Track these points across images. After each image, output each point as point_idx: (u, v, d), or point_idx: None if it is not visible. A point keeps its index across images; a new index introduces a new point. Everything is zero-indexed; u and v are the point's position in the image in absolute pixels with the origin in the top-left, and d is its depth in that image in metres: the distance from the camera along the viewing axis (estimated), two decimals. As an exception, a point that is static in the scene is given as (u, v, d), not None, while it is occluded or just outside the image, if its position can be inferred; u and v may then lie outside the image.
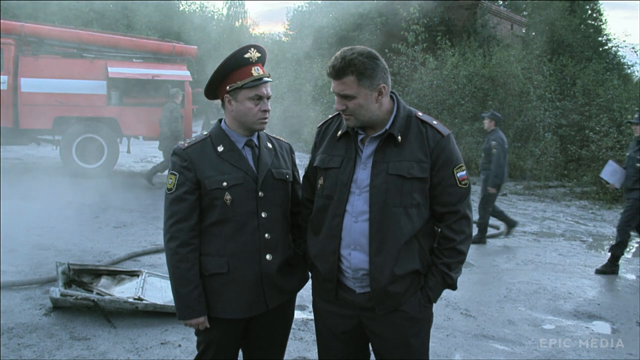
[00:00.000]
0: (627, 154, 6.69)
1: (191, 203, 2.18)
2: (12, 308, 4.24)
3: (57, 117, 10.25)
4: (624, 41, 31.77)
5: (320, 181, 2.20)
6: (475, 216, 6.79)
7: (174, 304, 2.25)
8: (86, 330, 3.93)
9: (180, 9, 28.50)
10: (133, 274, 4.74)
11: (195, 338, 2.35)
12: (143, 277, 4.61)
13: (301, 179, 2.40)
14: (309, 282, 2.35)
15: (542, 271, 6.30)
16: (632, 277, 6.35)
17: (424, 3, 16.74)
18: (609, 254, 6.39)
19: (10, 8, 16.49)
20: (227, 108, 2.27)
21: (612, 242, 6.43)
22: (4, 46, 9.92)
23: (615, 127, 13.16)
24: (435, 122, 2.15)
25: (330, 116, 2.32)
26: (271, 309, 2.26)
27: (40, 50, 10.36)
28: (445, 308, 4.85)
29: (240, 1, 39.18)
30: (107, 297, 4.24)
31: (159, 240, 6.14)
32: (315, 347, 2.37)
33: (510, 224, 7.77)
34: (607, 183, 7.10)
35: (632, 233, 6.46)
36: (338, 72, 2.04)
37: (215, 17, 34.16)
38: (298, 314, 4.26)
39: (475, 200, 7.87)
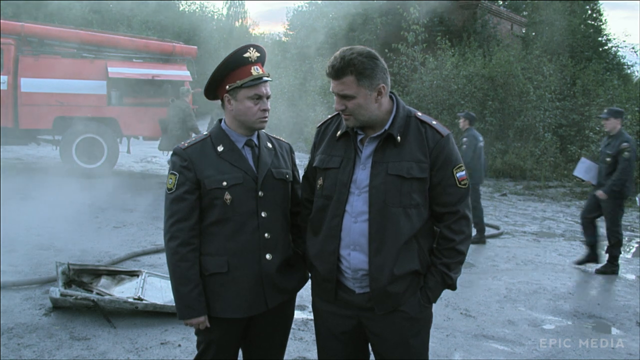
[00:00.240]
0: (599, 149, 6.70)
1: (191, 203, 2.18)
2: (12, 308, 4.24)
3: (57, 117, 10.26)
4: (624, 41, 31.67)
5: (320, 181, 2.20)
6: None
7: (174, 304, 2.25)
8: (86, 330, 3.93)
9: (180, 9, 28.49)
10: (133, 274, 4.74)
11: (195, 338, 2.35)
12: (143, 277, 4.61)
13: (301, 179, 2.40)
14: (309, 282, 2.35)
15: (542, 271, 6.30)
16: (632, 277, 6.35)
17: (424, 3, 16.73)
18: (607, 255, 6.40)
19: (12, 7, 16.49)
20: (226, 107, 2.27)
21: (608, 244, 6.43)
22: (4, 46, 9.92)
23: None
24: (434, 122, 2.14)
25: (329, 116, 2.32)
26: (271, 309, 2.26)
27: (40, 50, 10.36)
28: (445, 308, 4.85)
29: (240, 1, 39.23)
30: (107, 297, 4.23)
31: (159, 240, 6.14)
32: (315, 347, 2.37)
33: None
34: (582, 181, 7.06)
35: (622, 232, 6.45)
36: (337, 72, 2.04)
37: (215, 17, 34.20)
38: (298, 314, 4.25)
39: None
